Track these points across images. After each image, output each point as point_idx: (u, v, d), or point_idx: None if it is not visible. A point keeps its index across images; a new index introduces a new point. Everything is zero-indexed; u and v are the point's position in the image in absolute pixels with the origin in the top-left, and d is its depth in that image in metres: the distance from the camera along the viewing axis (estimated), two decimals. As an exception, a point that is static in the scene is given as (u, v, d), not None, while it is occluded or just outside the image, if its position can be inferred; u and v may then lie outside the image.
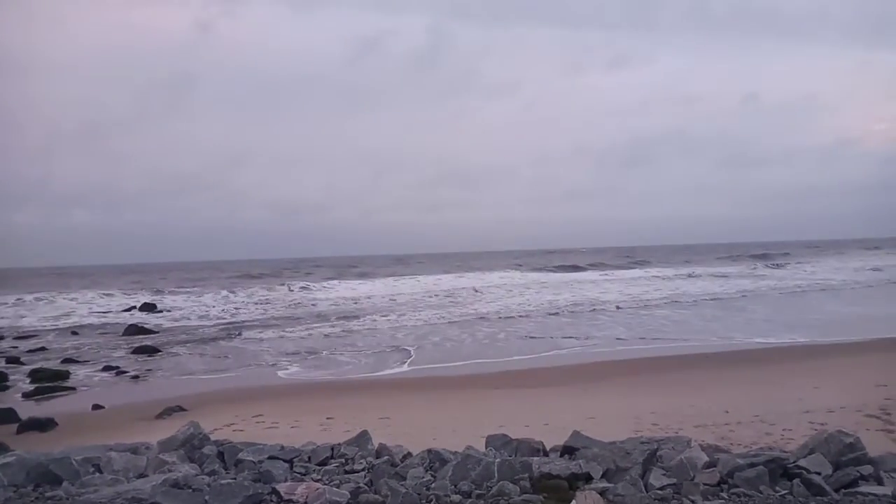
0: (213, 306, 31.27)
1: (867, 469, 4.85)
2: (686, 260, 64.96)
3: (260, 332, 21.66)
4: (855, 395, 9.53)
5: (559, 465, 4.89)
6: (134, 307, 32.07)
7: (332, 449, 5.57)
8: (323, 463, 5.38)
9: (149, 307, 31.98)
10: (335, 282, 44.45)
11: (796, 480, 4.70)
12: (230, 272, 64.90)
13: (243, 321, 25.49)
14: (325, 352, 17.36)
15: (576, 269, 54.14)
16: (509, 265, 61.54)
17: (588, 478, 4.83)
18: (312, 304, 30.89)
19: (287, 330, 22.20)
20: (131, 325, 24.36)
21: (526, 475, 4.83)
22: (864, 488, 4.61)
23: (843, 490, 4.64)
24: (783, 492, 4.61)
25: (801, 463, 4.89)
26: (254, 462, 5.28)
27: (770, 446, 6.78)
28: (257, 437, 7.41)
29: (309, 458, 5.46)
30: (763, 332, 17.67)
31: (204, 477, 4.94)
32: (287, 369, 15.12)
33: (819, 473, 4.79)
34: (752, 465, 4.77)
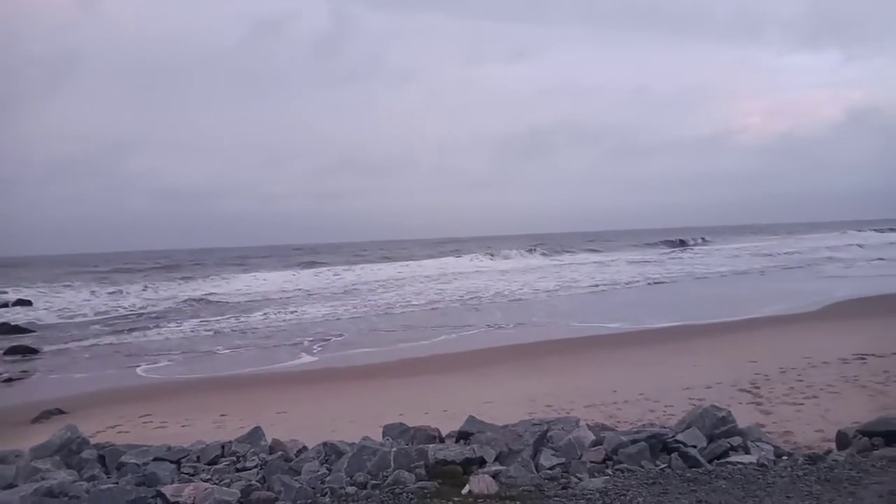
0: (97, 301, 29.45)
1: (737, 440, 5.25)
2: (592, 247, 66.90)
3: (149, 328, 20.62)
4: (729, 372, 10.25)
5: (454, 451, 4.97)
6: (6, 304, 29.69)
7: (223, 447, 5.41)
8: (213, 462, 5.22)
9: (24, 303, 29.71)
10: (230, 274, 42.97)
11: (675, 454, 5.01)
12: (115, 264, 61.29)
13: (131, 316, 24.19)
14: (218, 346, 16.77)
15: (490, 257, 54.72)
16: (410, 255, 61.71)
17: (482, 462, 4.94)
18: (204, 298, 29.71)
19: (177, 324, 21.26)
20: (3, 323, 22.57)
21: (422, 462, 4.88)
22: (733, 458, 4.99)
23: (715, 461, 5.00)
24: (663, 465, 4.91)
25: (679, 437, 5.23)
26: (138, 465, 5.04)
27: (653, 422, 7.19)
28: (144, 439, 7.07)
29: (198, 457, 5.28)
30: (650, 315, 18.64)
31: (82, 483, 4.67)
32: (178, 365, 14.49)
33: (695, 446, 5.13)
34: (635, 442, 5.04)
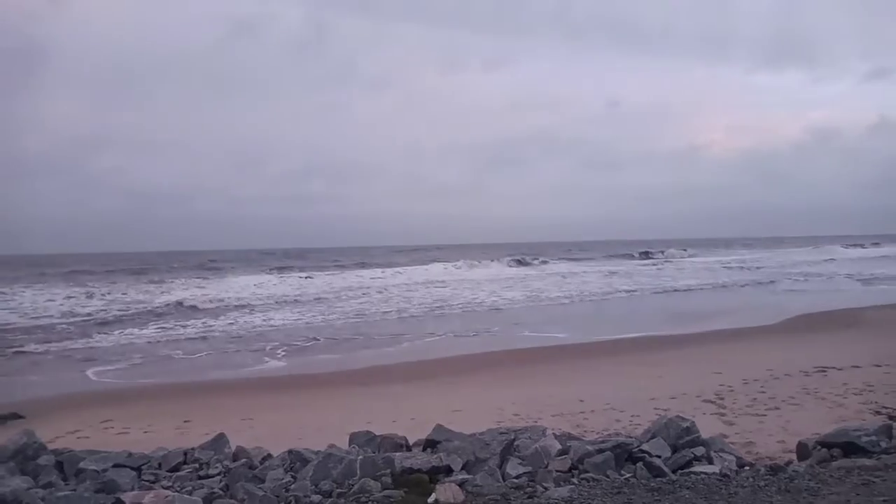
0: (62, 303, 28.75)
1: (700, 450, 5.31)
2: (563, 258, 67.22)
3: (114, 332, 20.19)
4: (694, 382, 10.41)
5: (421, 460, 4.95)
6: (-37, 305, 28.80)
7: (186, 454, 5.32)
8: (175, 469, 5.12)
9: (-19, 305, 28.86)
10: (198, 277, 42.36)
11: (640, 464, 5.06)
12: (81, 265, 59.91)
13: (96, 319, 23.66)
14: (184, 351, 16.50)
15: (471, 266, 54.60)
16: (381, 262, 61.49)
17: (448, 470, 4.93)
18: (171, 301, 29.20)
19: (143, 328, 20.87)
20: (-42, 324, 21.90)
21: (388, 471, 4.85)
22: (697, 468, 5.05)
23: (679, 471, 5.05)
24: (628, 475, 4.95)
25: (644, 447, 5.27)
26: (97, 471, 4.92)
27: (619, 432, 7.24)
28: (105, 445, 6.89)
29: (159, 464, 5.17)
30: (617, 327, 18.84)
31: (38, 490, 4.54)
32: (141, 370, 14.21)
33: (660, 456, 5.18)
34: (601, 451, 5.08)
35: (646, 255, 71.28)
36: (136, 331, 20.34)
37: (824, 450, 5.35)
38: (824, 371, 10.83)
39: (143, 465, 5.14)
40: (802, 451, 5.64)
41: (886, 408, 8.34)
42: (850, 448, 5.27)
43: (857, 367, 11.02)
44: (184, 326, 21.11)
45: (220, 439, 5.70)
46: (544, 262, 57.56)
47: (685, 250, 78.15)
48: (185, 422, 9.33)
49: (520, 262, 55.91)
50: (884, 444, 5.30)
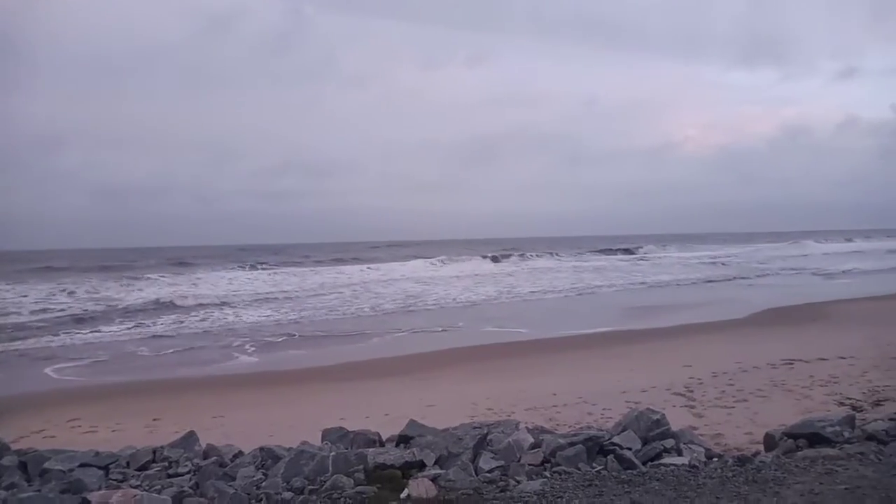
0: (31, 300, 28.11)
1: (670, 442, 5.38)
2: (549, 251, 67.38)
3: (84, 329, 19.82)
4: (665, 376, 10.54)
5: (393, 455, 4.94)
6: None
7: (155, 452, 5.24)
8: (143, 467, 5.05)
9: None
10: (169, 274, 41.74)
11: (610, 456, 5.11)
12: (50, 262, 58.63)
13: (66, 317, 23.18)
14: (154, 348, 16.25)
15: (453, 260, 54.47)
16: (357, 258, 61.22)
17: (422, 465, 4.93)
18: (142, 298, 28.75)
19: (113, 325, 20.51)
20: (-80, 323, 21.30)
21: (361, 467, 4.84)
22: (666, 460, 5.11)
23: (650, 462, 5.11)
24: (599, 467, 4.99)
25: (615, 440, 5.33)
26: (63, 471, 4.84)
27: (590, 425, 7.32)
28: (72, 444, 6.76)
29: (128, 463, 5.10)
30: (590, 321, 19.01)
31: (0, 492, 4.44)
32: (110, 368, 13.98)
33: (630, 448, 5.24)
34: (572, 444, 5.12)
35: (621, 250, 71.96)
36: (106, 327, 19.99)
37: (790, 440, 5.46)
38: (791, 363, 11.04)
39: (110, 464, 5.06)
40: (769, 441, 5.74)
41: (850, 399, 8.53)
42: (815, 438, 5.38)
43: (823, 359, 11.26)
44: (155, 323, 20.79)
45: (190, 437, 5.63)
46: (521, 258, 57.78)
47: (662, 246, 79.00)
48: (155, 420, 9.20)
49: (496, 258, 56.01)
50: (847, 434, 5.42)
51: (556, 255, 63.13)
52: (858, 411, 7.63)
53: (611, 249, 73.00)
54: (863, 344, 12.57)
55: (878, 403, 8.19)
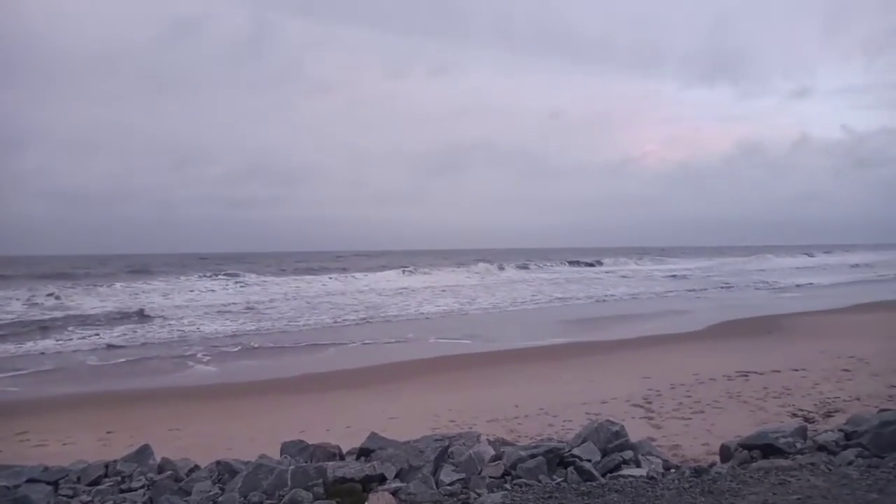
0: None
1: (629, 454, 5.44)
2: (510, 263, 67.55)
3: (34, 339, 19.20)
4: (624, 387, 10.67)
5: (354, 469, 4.90)
6: None
7: (107, 466, 5.10)
8: (95, 483, 4.90)
9: None
10: (127, 282, 40.79)
11: (570, 468, 5.14)
12: (5, 269, 56.72)
13: (14, 326, 22.43)
14: (108, 359, 15.82)
15: (418, 271, 54.44)
16: (319, 267, 60.70)
17: (382, 479, 4.89)
18: (98, 306, 28.03)
19: (64, 335, 19.92)
20: None
21: (320, 480, 4.78)
22: (625, 471, 5.17)
23: (609, 474, 5.16)
24: (559, 479, 5.02)
25: (575, 451, 5.37)
26: (7, 487, 4.67)
27: (551, 437, 7.35)
28: (19, 459, 6.53)
29: (78, 478, 4.95)
30: (551, 332, 19.17)
31: (-59, 509, 4.27)
32: (61, 379, 13.56)
33: (590, 460, 5.29)
34: (533, 456, 5.14)
35: (584, 263, 72.75)
36: (57, 337, 19.40)
37: (745, 451, 5.57)
38: (746, 375, 11.29)
39: (60, 479, 4.90)
40: (725, 453, 5.85)
41: (802, 410, 8.76)
42: (768, 449, 5.50)
43: (777, 371, 11.54)
44: (111, 333, 20.27)
45: (145, 451, 5.49)
46: (485, 269, 58.00)
47: (623, 259, 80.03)
48: (109, 433, 8.96)
49: (459, 269, 56.14)
50: (799, 445, 5.56)
51: (519, 266, 63.56)
52: (810, 422, 7.83)
53: (578, 262, 73.72)
54: (815, 356, 12.92)
55: (828, 415, 8.42)
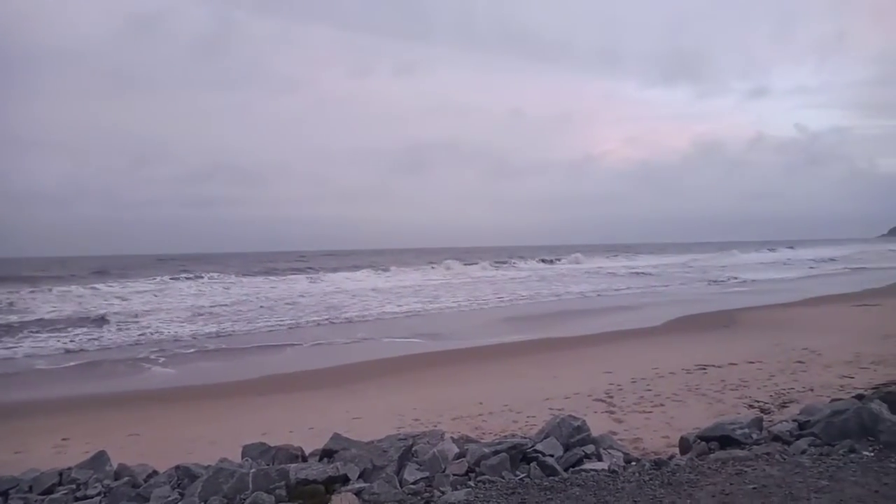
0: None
1: (590, 448, 5.51)
2: (469, 261, 67.74)
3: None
4: (586, 382, 10.79)
5: (316, 470, 4.86)
6: None
7: (61, 474, 4.97)
8: (48, 491, 4.77)
9: None
10: (82, 284, 39.74)
11: (533, 463, 5.18)
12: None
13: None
14: (62, 363, 15.40)
15: (388, 269, 54.12)
16: (281, 268, 60.03)
17: (345, 479, 4.87)
18: (54, 309, 27.24)
19: (14, 339, 19.30)
20: None
21: (283, 483, 4.73)
22: (587, 465, 5.23)
23: (571, 469, 5.22)
24: (522, 475, 5.06)
25: (538, 447, 5.41)
26: (-45, 499, 4.50)
27: (515, 433, 7.40)
28: (-32, 469, 6.32)
29: (30, 487, 4.81)
30: (514, 329, 19.29)
31: None
32: (11, 385, 13.14)
33: (553, 455, 5.34)
34: (497, 453, 5.17)
35: (546, 260, 73.36)
36: (11, 342, 18.78)
37: (703, 443, 5.69)
38: (704, 369, 11.52)
39: (10, 488, 4.76)
40: (684, 445, 5.97)
41: (759, 402, 8.97)
42: (725, 441, 5.63)
43: (734, 364, 11.80)
44: (66, 336, 19.72)
45: (101, 457, 5.36)
46: (446, 269, 58.08)
47: (585, 256, 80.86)
48: (64, 440, 8.71)
49: (425, 268, 56.15)
50: (755, 436, 5.70)
51: (487, 264, 63.81)
52: (766, 413, 8.04)
53: (546, 260, 74.27)
54: (770, 349, 13.25)
55: (783, 405, 8.65)
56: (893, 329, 15.25)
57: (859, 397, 6.58)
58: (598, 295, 32.23)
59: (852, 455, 5.06)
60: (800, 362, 11.73)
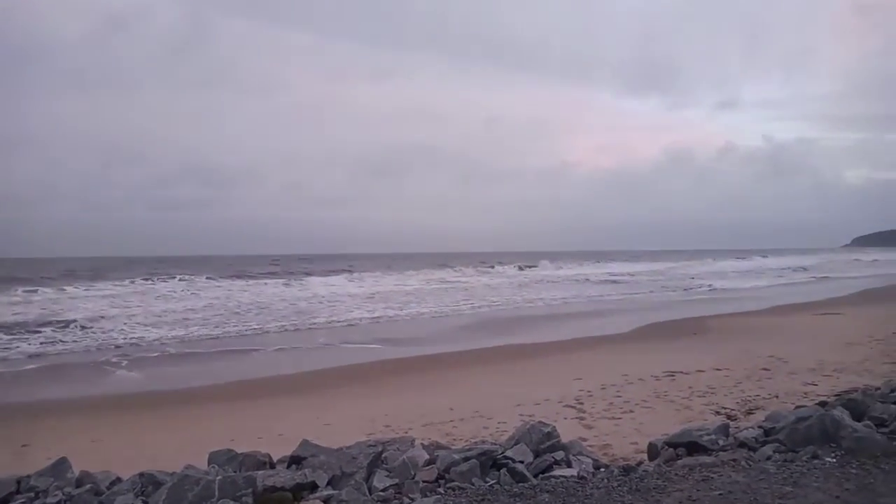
0: None
1: (560, 454, 5.52)
2: (444, 266, 67.70)
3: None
4: (557, 388, 10.85)
5: (284, 477, 4.80)
6: None
7: (19, 482, 4.83)
8: (5, 501, 4.63)
9: None
10: (43, 286, 38.86)
11: (503, 470, 5.18)
12: None
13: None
14: (22, 367, 15.02)
15: (368, 273, 53.84)
16: (253, 272, 59.39)
17: (314, 487, 4.81)
18: (20, 312, 26.55)
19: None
20: None
21: (250, 490, 4.66)
22: (557, 472, 5.24)
23: (541, 475, 5.23)
24: (492, 482, 5.05)
25: (508, 453, 5.41)
26: None
27: (485, 439, 7.40)
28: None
29: (-13, 495, 4.66)
30: (485, 336, 19.32)
31: None
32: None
33: (522, 462, 5.34)
34: (467, 459, 5.15)
35: (518, 266, 73.61)
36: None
37: (671, 449, 5.75)
38: (673, 375, 11.66)
39: (-35, 497, 4.61)
40: (652, 451, 6.02)
41: (725, 408, 9.11)
42: (693, 447, 5.69)
43: (702, 371, 11.96)
44: (28, 340, 19.24)
45: (62, 464, 5.23)
46: (417, 273, 58.01)
47: (557, 263, 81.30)
48: (23, 446, 8.49)
49: (399, 274, 56.02)
50: (722, 442, 5.77)
51: (455, 269, 63.87)
52: (732, 420, 8.15)
53: (520, 266, 74.46)
54: (738, 356, 13.46)
55: (749, 412, 8.78)
56: (855, 337, 15.61)
57: (822, 404, 6.72)
58: (567, 302, 32.43)
59: (815, 461, 5.15)
60: (766, 369, 11.93)
